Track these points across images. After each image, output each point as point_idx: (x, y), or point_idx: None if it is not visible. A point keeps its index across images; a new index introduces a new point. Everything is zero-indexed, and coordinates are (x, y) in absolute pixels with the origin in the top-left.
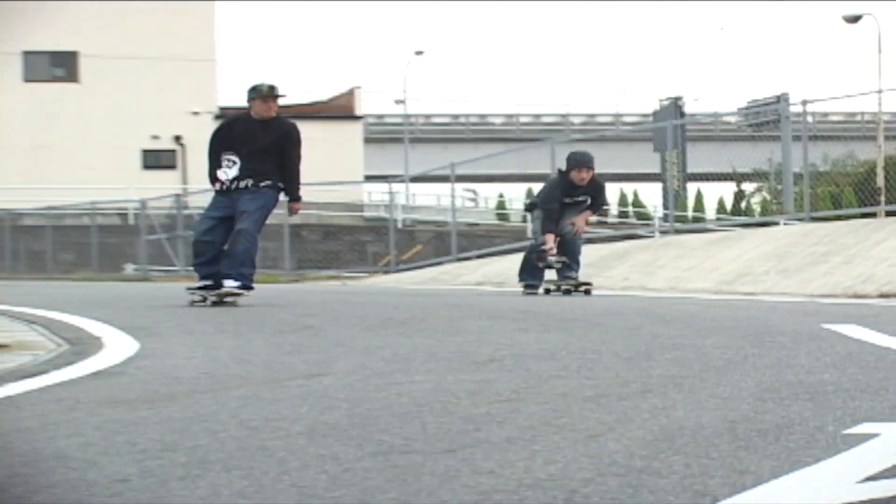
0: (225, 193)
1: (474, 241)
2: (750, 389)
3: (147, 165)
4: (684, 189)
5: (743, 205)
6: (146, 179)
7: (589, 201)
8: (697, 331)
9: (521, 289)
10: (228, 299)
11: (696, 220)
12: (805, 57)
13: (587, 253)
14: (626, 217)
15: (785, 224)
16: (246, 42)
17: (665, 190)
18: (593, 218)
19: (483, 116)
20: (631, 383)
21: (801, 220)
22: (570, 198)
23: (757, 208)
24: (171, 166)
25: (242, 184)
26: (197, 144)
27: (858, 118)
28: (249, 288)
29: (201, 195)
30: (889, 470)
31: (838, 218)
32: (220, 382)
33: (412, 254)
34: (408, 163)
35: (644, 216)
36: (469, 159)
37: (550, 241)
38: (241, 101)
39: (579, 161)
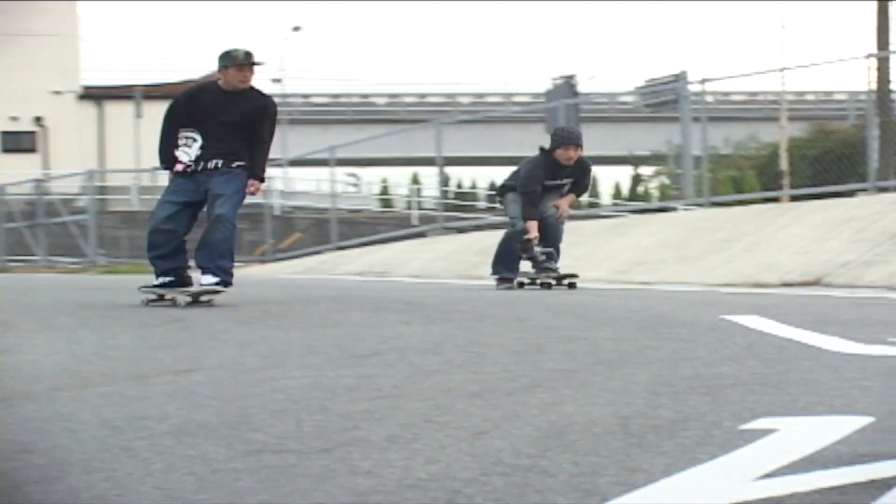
0: (188, 176)
1: (356, 228)
2: (644, 383)
3: (5, 149)
4: None
5: (640, 189)
6: (4, 163)
7: (569, 185)
8: (590, 322)
9: (494, 282)
10: (204, 298)
11: (591, 205)
12: (706, 34)
13: (475, 241)
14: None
15: (684, 210)
16: (113, 17)
17: None
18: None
19: (365, 97)
20: (519, 378)
21: (700, 205)
22: (552, 179)
23: (655, 193)
24: (31, 149)
25: (211, 164)
26: (59, 126)
27: (761, 98)
28: (229, 284)
29: (64, 180)
30: (788, 466)
31: (740, 203)
32: (82, 379)
33: (291, 242)
34: (286, 146)
35: None
36: (350, 142)
37: (535, 230)
38: (108, 79)
39: (568, 137)
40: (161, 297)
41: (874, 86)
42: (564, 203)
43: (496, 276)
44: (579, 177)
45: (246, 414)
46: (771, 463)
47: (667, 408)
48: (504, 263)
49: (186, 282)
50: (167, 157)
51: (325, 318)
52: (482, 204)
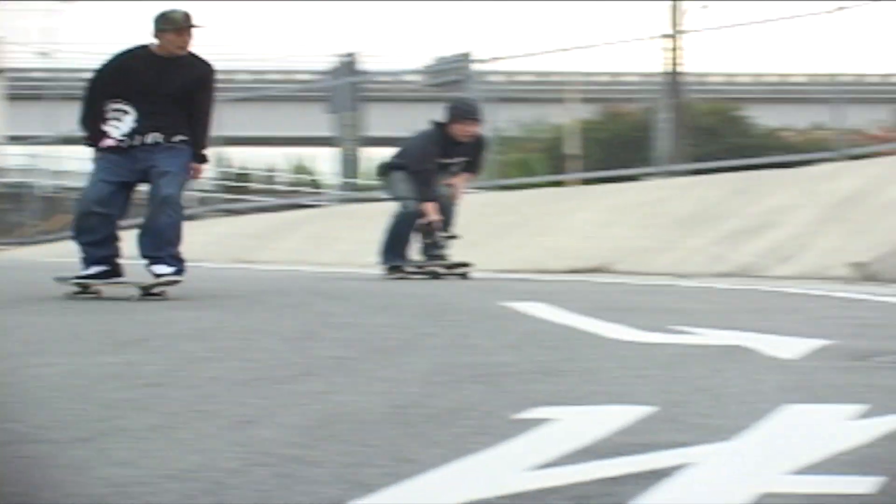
0: (122, 152)
1: (135, 210)
2: (421, 372)
3: None
4: (354, 154)
5: None
6: None
7: (462, 163)
8: (369, 308)
9: (385, 272)
10: (157, 290)
11: (376, 188)
12: (498, 12)
13: (249, 224)
14: (299, 185)
15: (470, 193)
16: None
17: (343, 155)
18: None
19: None
20: (291, 366)
21: (487, 188)
22: (444, 157)
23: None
24: None
25: (149, 138)
26: None
27: (551, 79)
28: (182, 272)
29: None
30: (564, 457)
31: (527, 187)
32: None
33: (61, 224)
34: (56, 122)
35: (318, 184)
36: None
37: (434, 212)
38: None
39: (466, 111)
40: (85, 289)
41: (668, 67)
42: (459, 182)
43: (386, 266)
44: (474, 155)
45: (1, 402)
46: (547, 453)
47: (442, 397)
48: (394, 251)
49: (120, 272)
50: (92, 132)
51: (89, 303)
52: (258, 185)
